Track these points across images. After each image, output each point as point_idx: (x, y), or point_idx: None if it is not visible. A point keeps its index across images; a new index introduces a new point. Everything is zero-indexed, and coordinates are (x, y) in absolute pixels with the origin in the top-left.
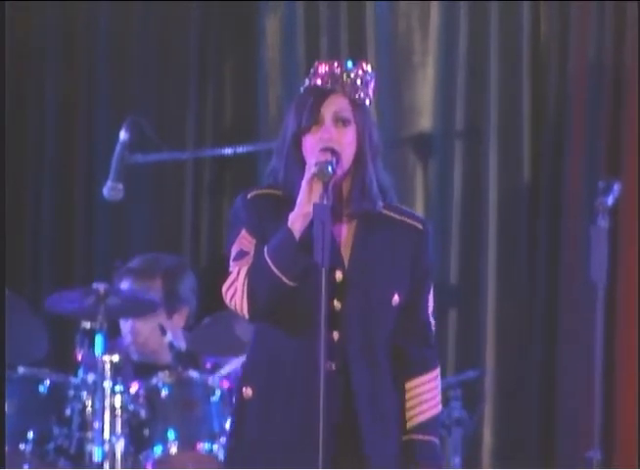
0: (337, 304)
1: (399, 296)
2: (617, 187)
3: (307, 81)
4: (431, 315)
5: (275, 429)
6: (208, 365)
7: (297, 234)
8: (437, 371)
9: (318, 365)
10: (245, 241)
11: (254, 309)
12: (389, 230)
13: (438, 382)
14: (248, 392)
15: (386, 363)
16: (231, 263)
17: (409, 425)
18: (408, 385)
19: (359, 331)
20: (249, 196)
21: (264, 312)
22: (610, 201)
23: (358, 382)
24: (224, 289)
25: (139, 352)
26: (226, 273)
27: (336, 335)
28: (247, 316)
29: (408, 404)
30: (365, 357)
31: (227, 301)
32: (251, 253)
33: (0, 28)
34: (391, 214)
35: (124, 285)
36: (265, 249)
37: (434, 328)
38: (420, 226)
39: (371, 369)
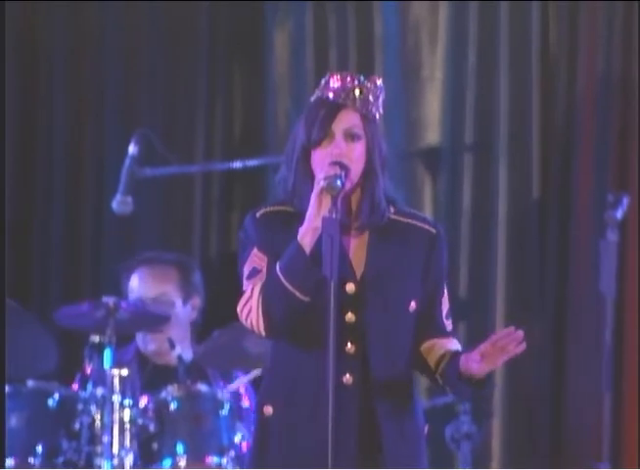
0: (350, 316)
1: (416, 302)
2: (625, 200)
3: (318, 93)
4: (445, 318)
5: (298, 446)
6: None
7: (307, 248)
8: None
9: (334, 379)
10: (257, 259)
11: (271, 326)
12: (401, 236)
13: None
14: (268, 410)
15: (406, 374)
16: (244, 282)
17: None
18: (424, 346)
19: (379, 342)
20: (257, 214)
21: (280, 329)
22: (619, 214)
23: (378, 395)
24: (239, 308)
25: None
26: (236, 286)
27: (351, 348)
28: (263, 334)
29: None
30: (385, 369)
31: (242, 319)
32: (264, 270)
33: (0, 28)
34: (402, 219)
35: (137, 277)
36: (277, 265)
37: (449, 329)
38: (432, 230)
39: (392, 381)
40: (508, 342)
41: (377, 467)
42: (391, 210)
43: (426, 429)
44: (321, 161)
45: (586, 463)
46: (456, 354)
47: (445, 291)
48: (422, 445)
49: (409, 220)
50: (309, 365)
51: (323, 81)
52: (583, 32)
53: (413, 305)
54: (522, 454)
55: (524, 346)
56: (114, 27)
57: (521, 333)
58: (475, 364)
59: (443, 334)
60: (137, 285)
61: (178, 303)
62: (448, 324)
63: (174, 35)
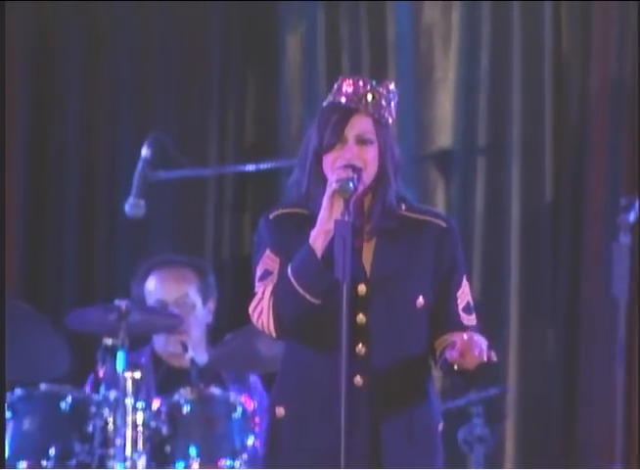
0: (361, 317)
1: (424, 297)
2: (638, 204)
3: (331, 97)
4: (463, 311)
5: (309, 447)
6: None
7: (318, 251)
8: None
9: (345, 380)
10: (269, 260)
11: (281, 328)
12: (410, 233)
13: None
14: (280, 411)
15: (418, 374)
16: (256, 283)
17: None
18: (438, 340)
19: (387, 343)
20: (271, 216)
21: (291, 331)
22: (631, 217)
23: (388, 396)
24: (251, 309)
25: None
26: (249, 290)
27: (361, 349)
28: (274, 335)
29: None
30: (395, 370)
31: (254, 321)
32: (276, 272)
33: (0, 28)
34: (411, 215)
35: (154, 278)
36: (289, 267)
37: (467, 322)
38: (443, 224)
39: (402, 382)
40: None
41: (385, 468)
42: (402, 206)
43: (440, 427)
44: (333, 165)
45: (599, 465)
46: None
47: (464, 284)
48: (434, 446)
49: (419, 216)
50: (320, 367)
51: (335, 86)
52: (596, 33)
53: (421, 300)
54: (535, 457)
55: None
56: (128, 30)
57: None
58: (456, 355)
59: (459, 327)
60: (155, 287)
61: (198, 304)
62: (468, 318)
63: (187, 38)
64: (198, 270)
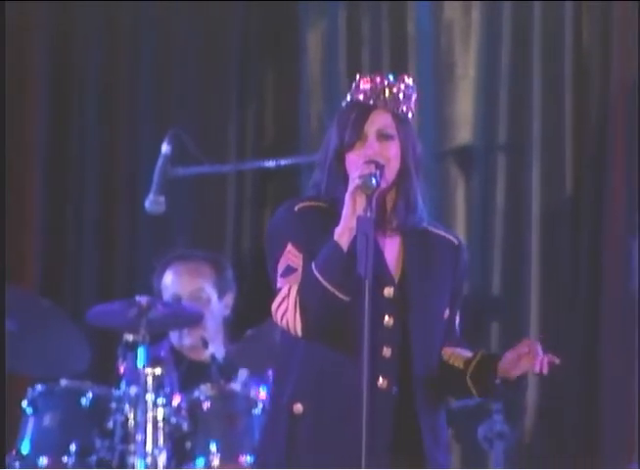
0: (388, 320)
1: (448, 310)
2: None
3: (349, 96)
4: (458, 327)
5: (327, 445)
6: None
7: (344, 248)
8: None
9: (368, 382)
10: (291, 256)
11: (308, 327)
12: (433, 244)
13: None
14: (298, 407)
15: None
16: (279, 280)
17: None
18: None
19: (417, 347)
20: (296, 208)
21: (318, 329)
22: None
23: (413, 400)
24: (274, 307)
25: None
26: (268, 285)
27: (387, 351)
28: (300, 334)
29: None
30: (422, 374)
31: (277, 319)
32: (299, 269)
33: (0, 28)
34: (431, 229)
35: (171, 272)
36: (313, 264)
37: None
38: (455, 241)
39: (427, 386)
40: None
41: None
42: (425, 218)
43: (448, 432)
44: (355, 162)
45: (619, 463)
46: (488, 356)
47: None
48: (448, 447)
49: (437, 231)
50: (342, 366)
51: (353, 84)
52: (616, 32)
53: (447, 312)
54: (554, 454)
55: (545, 370)
56: (148, 28)
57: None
58: (512, 365)
59: (459, 342)
60: (172, 281)
61: (214, 299)
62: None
63: (208, 36)
64: (214, 265)
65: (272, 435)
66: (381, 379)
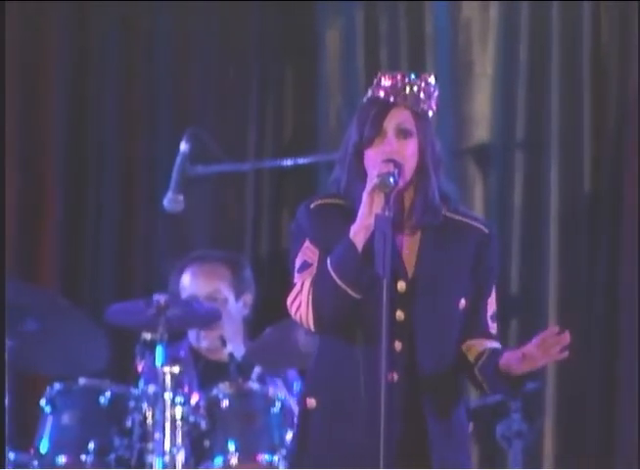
0: (399, 314)
1: (465, 299)
2: None
3: (370, 92)
4: (490, 319)
5: (340, 439)
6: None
7: (359, 246)
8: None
9: (378, 376)
10: (308, 251)
11: (320, 322)
12: (454, 234)
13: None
14: (311, 402)
15: (453, 373)
16: (295, 275)
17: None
18: (466, 344)
19: (427, 341)
20: (312, 206)
21: (330, 324)
22: None
23: (424, 394)
24: (289, 301)
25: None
26: (287, 284)
27: (398, 345)
28: (312, 328)
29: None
30: (433, 368)
31: (292, 313)
32: (315, 264)
33: (0, 28)
34: (455, 217)
35: (188, 274)
36: (328, 261)
37: (493, 331)
38: (485, 229)
39: (438, 380)
40: (552, 344)
41: (421, 466)
42: (444, 208)
43: (470, 427)
44: (373, 159)
45: (638, 463)
46: (496, 351)
47: (493, 293)
48: (467, 443)
49: (462, 218)
50: (355, 361)
51: (374, 81)
52: (635, 31)
53: (463, 302)
54: (573, 453)
55: (567, 353)
56: (167, 26)
57: (567, 337)
58: (515, 362)
59: (486, 335)
60: (189, 283)
61: (231, 299)
62: (492, 326)
63: (226, 34)
64: (231, 265)
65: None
66: (394, 373)
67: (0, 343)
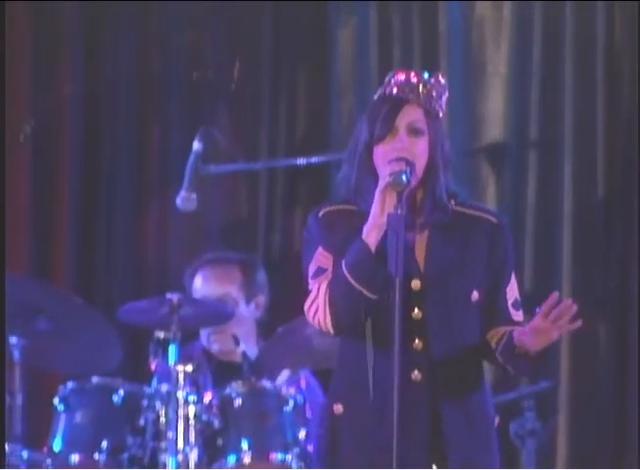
0: (417, 312)
1: (478, 292)
2: None
3: (382, 90)
4: (512, 307)
5: (369, 444)
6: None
7: (372, 246)
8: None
9: (402, 376)
10: (322, 258)
11: (338, 325)
12: (462, 228)
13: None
14: (338, 408)
15: (473, 367)
16: (310, 281)
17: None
18: (490, 333)
19: (444, 337)
20: (320, 214)
21: (348, 326)
22: None
23: (446, 390)
24: (306, 307)
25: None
26: (300, 282)
27: (419, 344)
28: (331, 331)
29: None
30: (452, 363)
31: (310, 318)
32: (330, 269)
33: (0, 28)
34: (463, 210)
35: (200, 277)
36: (343, 263)
37: (517, 318)
38: (494, 220)
39: (459, 375)
40: (560, 314)
41: (447, 463)
42: (452, 202)
43: (496, 421)
44: (384, 156)
45: None
46: (512, 333)
47: (513, 280)
48: (491, 437)
49: (470, 211)
50: (378, 363)
51: (387, 78)
52: None
53: (475, 294)
54: (587, 452)
55: (579, 322)
56: (179, 25)
57: (572, 305)
58: (527, 338)
59: (510, 323)
60: (200, 286)
61: (241, 302)
62: (516, 314)
63: (238, 33)
64: (243, 267)
65: (316, 435)
66: (415, 372)
67: (1, 341)
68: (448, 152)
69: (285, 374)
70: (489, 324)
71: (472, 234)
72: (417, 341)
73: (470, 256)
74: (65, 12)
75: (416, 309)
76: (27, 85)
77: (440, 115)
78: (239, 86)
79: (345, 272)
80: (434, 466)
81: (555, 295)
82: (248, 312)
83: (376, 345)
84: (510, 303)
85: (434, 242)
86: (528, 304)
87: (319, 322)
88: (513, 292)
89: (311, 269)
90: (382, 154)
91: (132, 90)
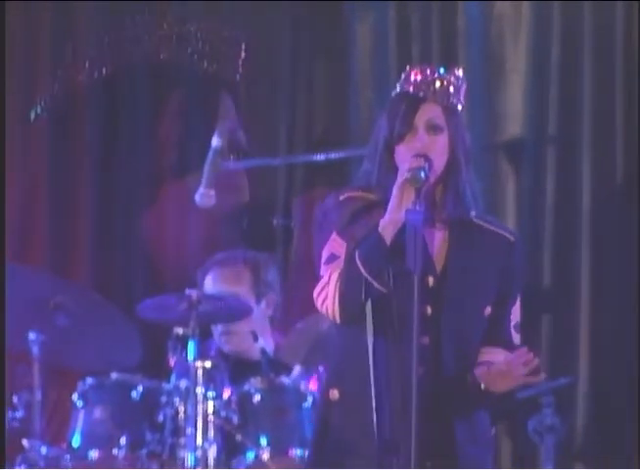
0: (428, 309)
1: (491, 308)
2: None
3: (398, 87)
4: (513, 329)
5: (360, 431)
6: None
7: (387, 240)
8: (520, 351)
9: (408, 369)
10: (335, 244)
11: (346, 314)
12: (482, 239)
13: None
14: (334, 394)
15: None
16: (322, 267)
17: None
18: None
19: (452, 337)
20: (341, 197)
21: (356, 317)
22: None
23: (448, 389)
24: (315, 294)
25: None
26: (317, 279)
27: (426, 340)
28: (338, 321)
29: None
30: (457, 363)
31: (318, 305)
32: (342, 257)
33: (0, 28)
34: (482, 224)
35: (210, 278)
36: (356, 254)
37: (516, 341)
38: (511, 237)
39: (461, 377)
40: (519, 364)
41: (448, 462)
42: (473, 212)
43: (492, 431)
44: (404, 155)
45: None
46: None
47: (518, 302)
48: (490, 446)
49: (489, 226)
50: (379, 354)
51: (403, 75)
52: None
53: (488, 309)
54: (606, 448)
55: (539, 378)
56: (196, 20)
57: (535, 362)
58: (485, 378)
59: (508, 345)
60: (210, 287)
61: (251, 302)
62: (516, 337)
63: (257, 29)
64: (252, 268)
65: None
66: (421, 367)
67: (1, 341)
68: (469, 147)
69: (297, 369)
70: (488, 342)
71: (489, 248)
72: (425, 337)
73: (486, 269)
74: (85, 10)
75: (427, 306)
76: (45, 72)
77: (460, 108)
78: (257, 82)
79: (358, 263)
80: (427, 464)
81: (524, 350)
82: (259, 311)
83: (383, 336)
84: (512, 324)
85: (454, 243)
86: (548, 303)
87: (327, 310)
88: (516, 313)
89: (324, 255)
90: (402, 153)
91: (150, 86)
